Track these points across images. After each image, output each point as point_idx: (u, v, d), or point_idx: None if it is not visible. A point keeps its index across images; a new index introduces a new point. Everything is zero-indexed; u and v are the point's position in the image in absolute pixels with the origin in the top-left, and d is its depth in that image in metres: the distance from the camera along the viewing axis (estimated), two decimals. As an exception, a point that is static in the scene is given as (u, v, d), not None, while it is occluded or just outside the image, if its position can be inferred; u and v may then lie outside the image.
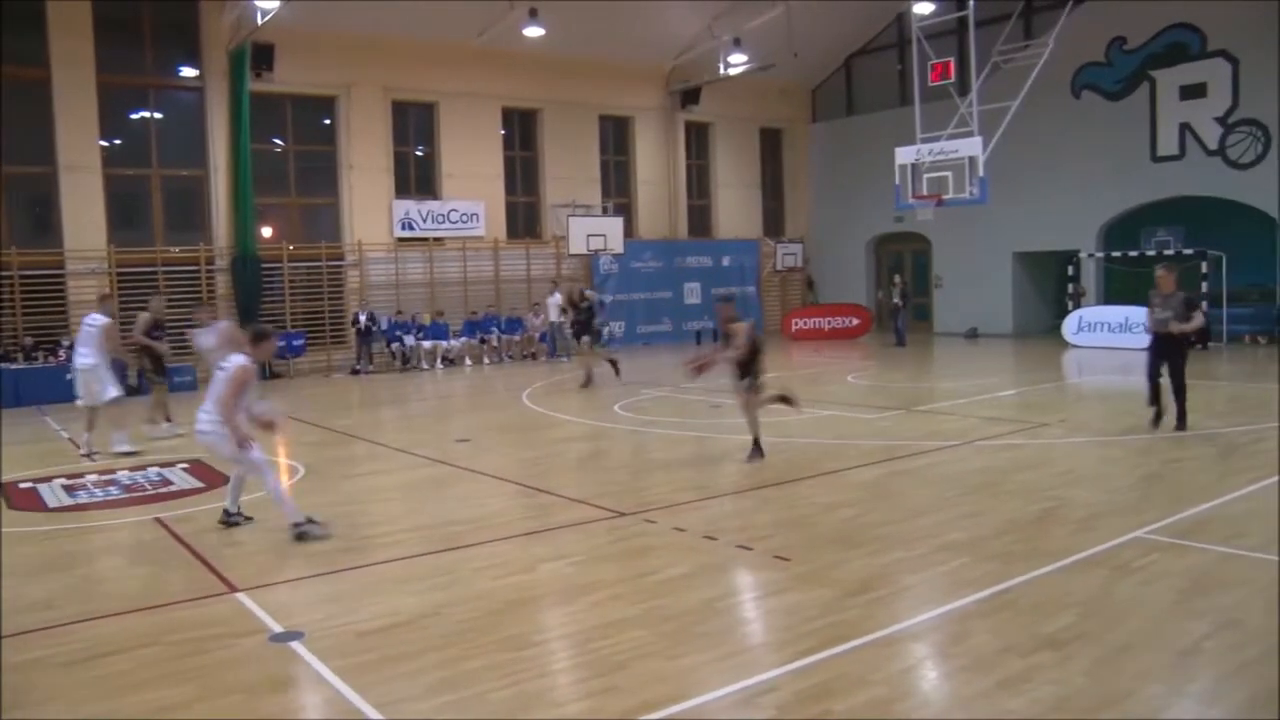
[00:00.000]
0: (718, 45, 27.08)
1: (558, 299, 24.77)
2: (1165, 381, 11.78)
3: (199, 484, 10.73)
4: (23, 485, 10.95)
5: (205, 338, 13.86)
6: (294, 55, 22.59)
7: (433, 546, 7.91)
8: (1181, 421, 11.75)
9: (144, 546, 8.38)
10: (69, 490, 10.63)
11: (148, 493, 10.37)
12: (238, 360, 8.28)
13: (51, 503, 10.11)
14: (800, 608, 6.14)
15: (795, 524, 8.25)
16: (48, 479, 11.28)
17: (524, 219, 27.85)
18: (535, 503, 9.53)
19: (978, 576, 6.58)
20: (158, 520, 9.05)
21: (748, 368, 10.93)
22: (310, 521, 8.22)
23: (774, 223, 33.12)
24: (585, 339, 19.29)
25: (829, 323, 29.49)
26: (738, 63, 27.51)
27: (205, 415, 8.33)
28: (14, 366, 19.38)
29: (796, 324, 29.89)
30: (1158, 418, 11.88)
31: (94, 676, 5.50)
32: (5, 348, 19.97)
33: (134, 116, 22.72)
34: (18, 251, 20.47)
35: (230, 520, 8.68)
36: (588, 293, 20.20)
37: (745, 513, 8.92)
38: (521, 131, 27.80)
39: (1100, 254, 25.70)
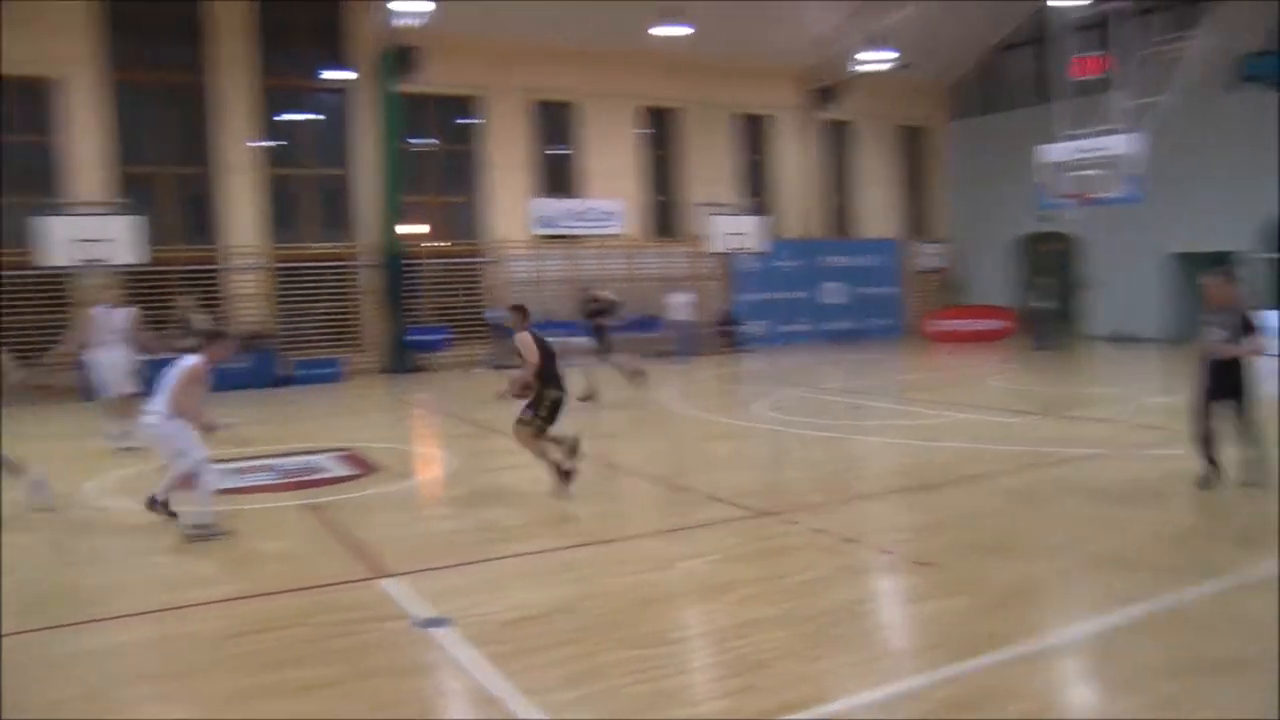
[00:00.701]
0: (854, 43, 26.70)
1: (684, 298, 24.81)
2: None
3: (351, 471, 11.07)
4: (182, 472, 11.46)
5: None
6: (438, 56, 23.09)
7: (570, 540, 8.01)
8: (1251, 474, 8.75)
9: (295, 531, 8.71)
10: (230, 474, 11.09)
11: (301, 479, 10.75)
12: (191, 359, 8.54)
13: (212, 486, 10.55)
14: (943, 615, 6.01)
15: (938, 529, 8.07)
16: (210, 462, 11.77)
17: (662, 218, 27.96)
18: (672, 499, 9.56)
19: (1129, 590, 6.30)
20: (310, 505, 9.38)
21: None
22: (211, 528, 8.31)
23: (914, 222, 32.50)
24: (598, 344, 17.49)
25: (971, 325, 28.76)
26: (874, 60, 27.06)
27: (153, 409, 8.53)
28: (169, 357, 20.29)
29: (937, 325, 29.26)
30: (1212, 473, 8.88)
31: (246, 651, 5.76)
32: (169, 338, 20.95)
33: (285, 118, 23.59)
34: (184, 248, 21.56)
35: (155, 506, 8.66)
36: (602, 294, 18.40)
37: (886, 516, 8.78)
38: (659, 131, 27.91)
39: (1275, 255, 24.34)
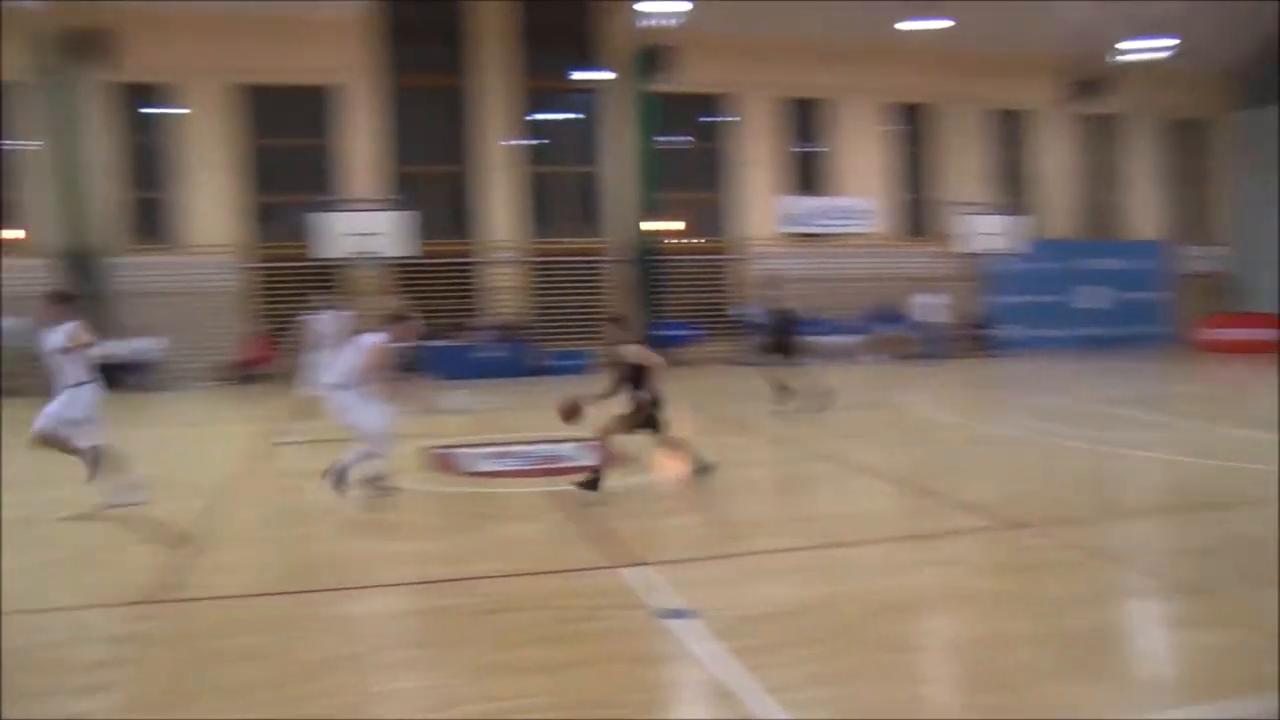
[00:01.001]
0: (1121, 32, 25.12)
1: (934, 299, 24.10)
2: None
3: (598, 461, 11.32)
4: (442, 451, 12.11)
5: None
6: (689, 55, 23.33)
7: (814, 540, 7.92)
8: None
9: (542, 516, 8.98)
10: (483, 458, 11.62)
11: (550, 466, 11.10)
12: (373, 337, 9.16)
13: (465, 468, 11.10)
14: (1214, 648, 5.55)
15: (1210, 554, 7.44)
16: (462, 446, 12.40)
17: (913, 217, 27.28)
18: (921, 505, 9.30)
19: None
20: (557, 492, 9.68)
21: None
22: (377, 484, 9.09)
23: (1185, 222, 30.29)
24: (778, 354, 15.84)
25: (1248, 334, 26.57)
26: (1144, 49, 25.37)
27: (333, 382, 9.31)
28: (440, 344, 21.50)
29: (1210, 334, 27.21)
30: None
31: (493, 628, 5.98)
32: (431, 327, 22.17)
33: (543, 117, 24.42)
34: (446, 242, 22.75)
35: (381, 487, 9.30)
36: (776, 294, 16.70)
37: (1153, 535, 8.22)
38: (911, 127, 27.22)
39: None
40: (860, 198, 25.98)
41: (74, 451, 9.56)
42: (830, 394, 15.32)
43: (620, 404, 9.58)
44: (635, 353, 9.45)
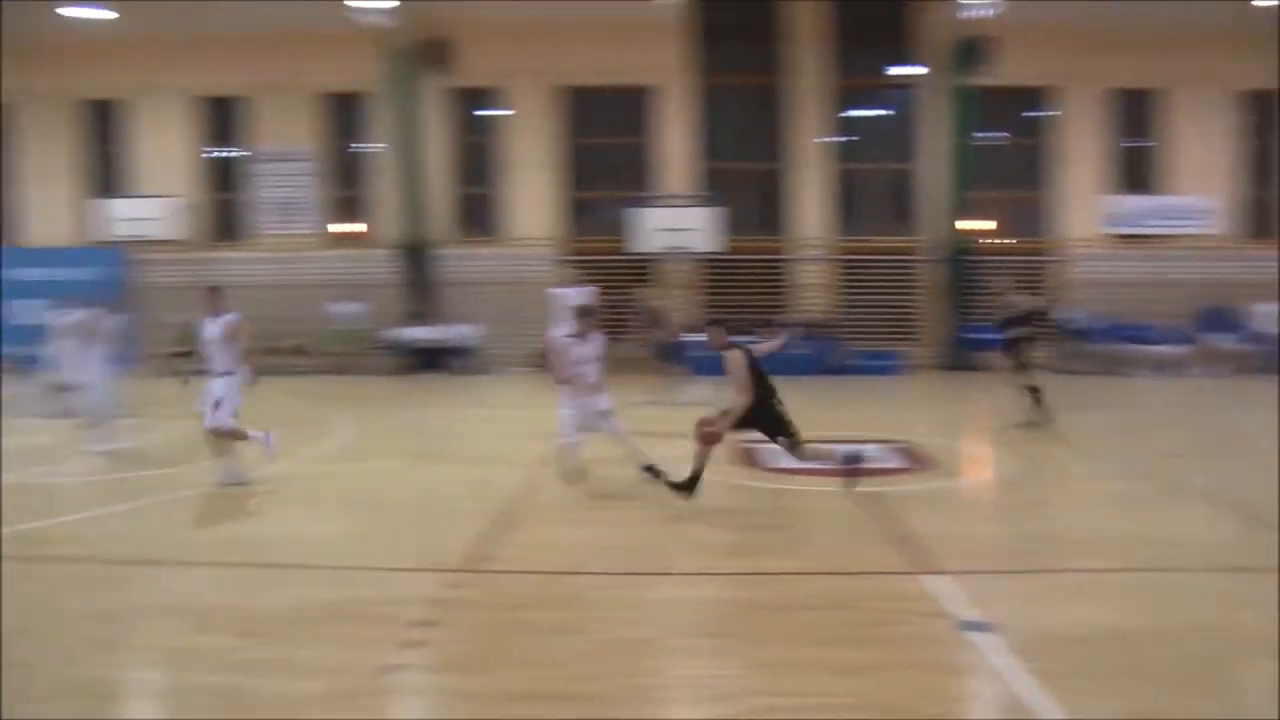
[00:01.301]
0: None
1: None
2: None
3: (902, 464, 11.15)
4: (744, 445, 12.23)
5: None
6: (1009, 48, 22.29)
7: (1130, 562, 7.43)
8: None
9: (843, 516, 8.92)
10: (782, 454, 11.63)
11: (852, 466, 10.96)
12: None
13: (767, 463, 11.18)
14: None
15: None
16: (764, 441, 12.45)
17: (1257, 216, 24.86)
18: (1251, 535, 8.49)
19: None
20: (862, 494, 9.57)
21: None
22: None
23: None
24: (1013, 360, 14.53)
25: None
26: None
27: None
28: (745, 339, 21.73)
29: None
30: None
31: (790, 625, 6.02)
32: (738, 323, 22.45)
33: (854, 114, 24.13)
34: (755, 239, 22.99)
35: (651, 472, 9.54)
36: (1021, 299, 15.01)
37: None
38: (1258, 118, 24.75)
39: None
40: (1195, 196, 23.99)
41: (244, 438, 10.37)
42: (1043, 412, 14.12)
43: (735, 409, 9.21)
44: (734, 360, 9.19)
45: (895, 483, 10.16)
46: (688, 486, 9.04)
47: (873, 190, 24.26)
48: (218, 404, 10.08)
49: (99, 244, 23.80)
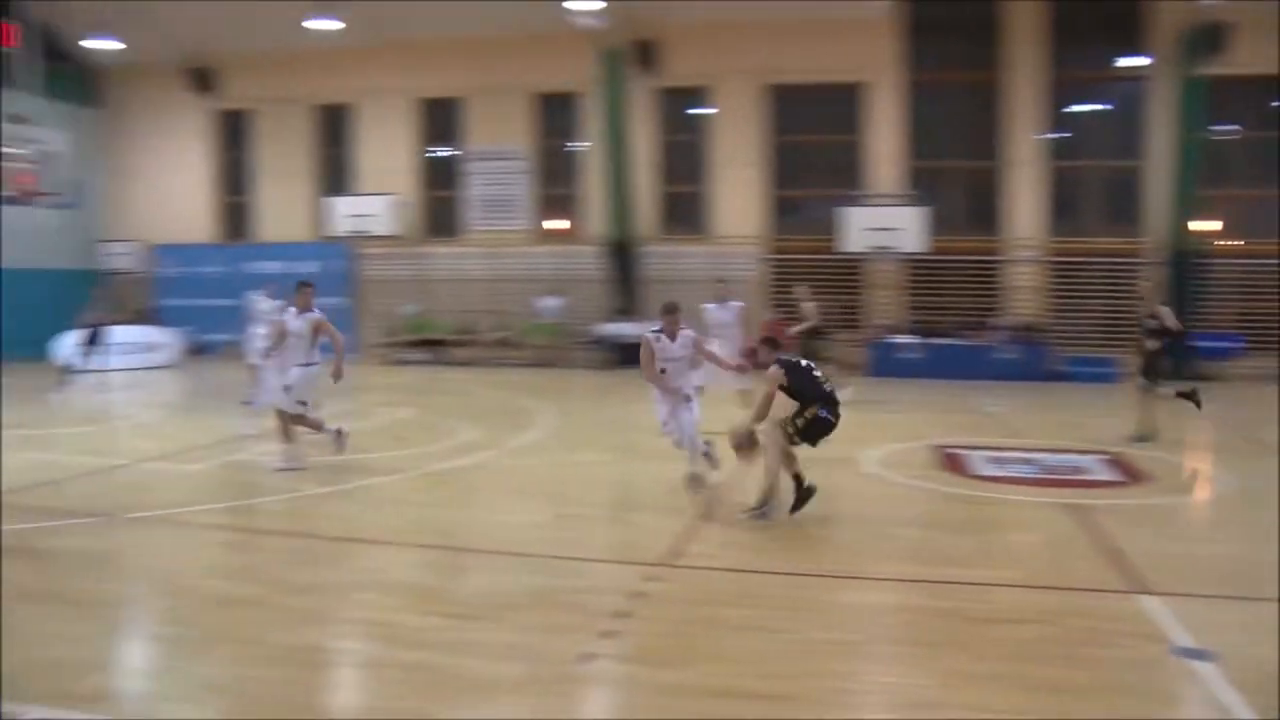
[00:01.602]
0: None
1: None
2: None
3: (1115, 477, 10.64)
4: (952, 451, 11.94)
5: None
6: (1244, 34, 20.75)
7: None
8: None
9: (1051, 529, 8.56)
10: (992, 462, 11.31)
11: (1062, 477, 10.55)
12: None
13: (976, 471, 10.87)
14: None
15: None
16: (974, 448, 12.14)
17: None
18: None
19: None
20: (1071, 505, 9.19)
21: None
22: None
23: None
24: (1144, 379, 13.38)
25: None
26: None
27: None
28: (952, 342, 21.21)
29: None
30: None
31: (991, 637, 5.83)
32: (944, 325, 21.91)
33: (1073, 110, 23.08)
34: (964, 238, 22.33)
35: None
36: (1163, 310, 13.47)
37: None
38: None
39: None
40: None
41: (316, 427, 10.95)
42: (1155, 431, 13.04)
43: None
44: (774, 374, 8.64)
45: (1106, 496, 9.69)
46: (761, 507, 8.58)
47: (1091, 188, 23.15)
48: (288, 388, 10.86)
49: (326, 239, 25.24)
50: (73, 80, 26.08)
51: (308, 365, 10.94)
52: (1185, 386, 13.33)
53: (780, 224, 23.77)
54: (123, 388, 19.18)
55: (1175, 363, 13.25)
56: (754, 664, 5.41)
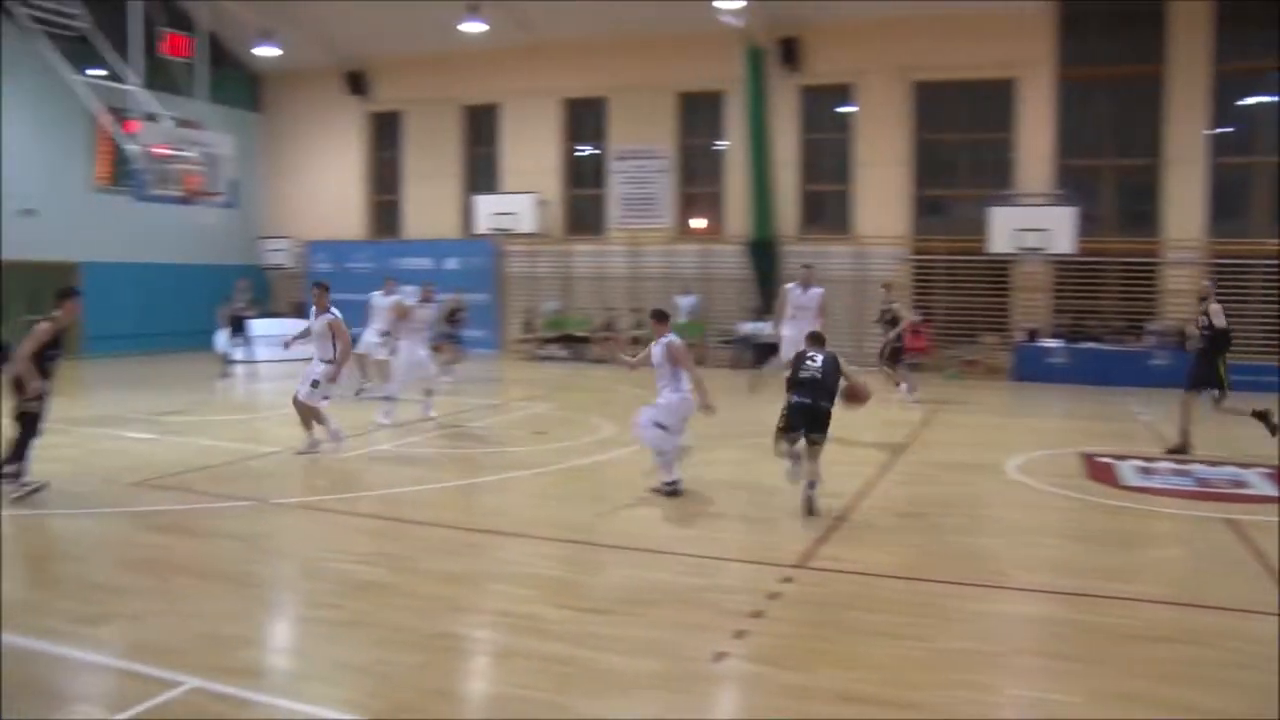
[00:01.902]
0: None
1: None
2: None
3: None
4: (1101, 460, 11.53)
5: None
6: None
7: None
8: None
9: (1207, 543, 8.22)
10: (1143, 473, 10.88)
11: (1221, 490, 10.08)
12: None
13: (1125, 481, 10.47)
14: None
15: None
16: (1124, 457, 11.69)
17: None
18: None
19: None
20: (1228, 520, 8.77)
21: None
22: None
23: None
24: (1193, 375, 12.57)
25: None
26: None
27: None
28: (1102, 347, 20.46)
29: None
30: None
31: (1140, 656, 5.62)
32: (1093, 329, 21.15)
33: (1244, 103, 21.94)
34: (1117, 239, 21.50)
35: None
36: (1212, 308, 12.37)
37: None
38: None
39: None
40: None
41: (323, 422, 11.66)
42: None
43: None
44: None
45: (1272, 512, 9.20)
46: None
47: (1259, 187, 21.96)
48: (314, 384, 11.54)
49: (472, 237, 25.83)
50: (236, 86, 27.38)
51: (330, 363, 11.61)
52: (1260, 407, 12.52)
53: (924, 224, 23.26)
54: (277, 378, 19.97)
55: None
56: (885, 670, 5.34)
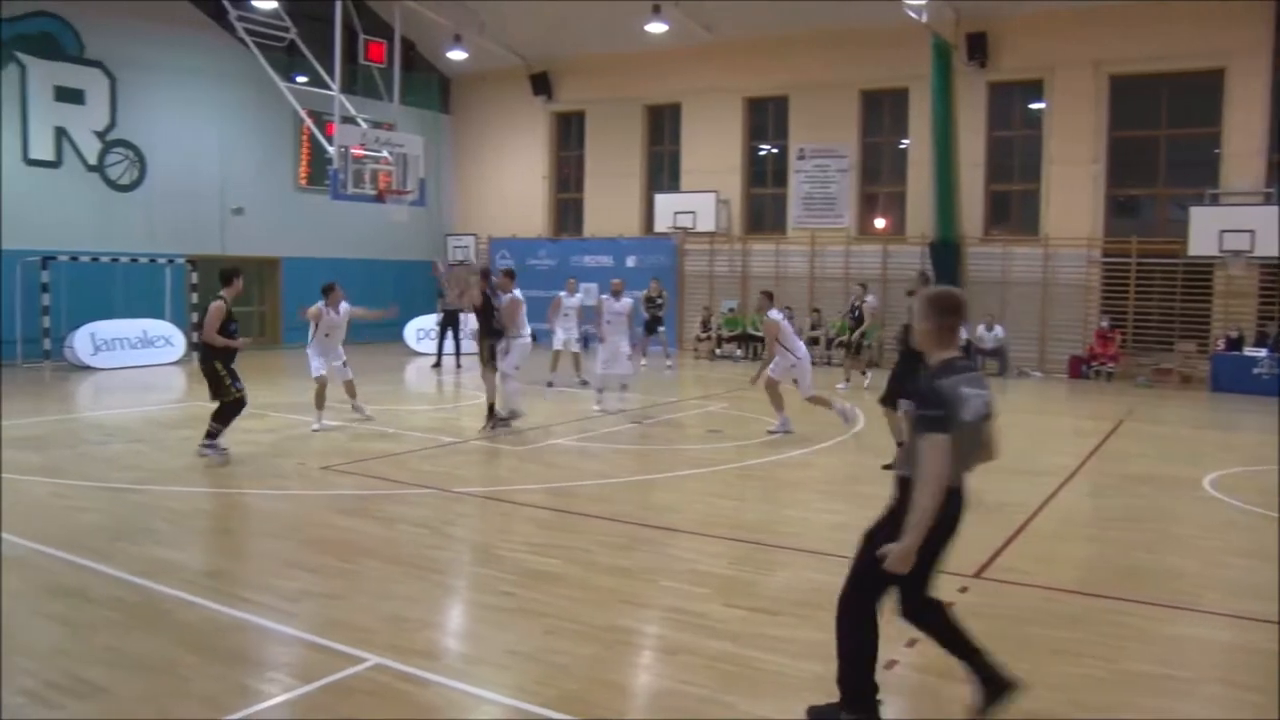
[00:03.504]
0: None
1: None
2: None
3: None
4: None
5: None
6: None
7: None
8: None
9: None
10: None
11: None
12: None
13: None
14: None
15: None
16: None
17: None
18: None
19: None
20: None
21: None
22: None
23: None
24: None
25: None
26: None
27: None
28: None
29: None
30: None
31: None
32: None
33: None
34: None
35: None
36: None
37: None
38: None
39: None
40: None
41: (321, 408, 12.78)
42: None
43: None
44: None
45: None
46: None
47: None
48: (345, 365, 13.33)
49: (652, 235, 26.11)
50: (427, 88, 28.45)
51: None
52: None
53: (1116, 225, 22.21)
54: (457, 370, 20.71)
55: None
56: (1063, 690, 5.16)
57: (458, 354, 21.21)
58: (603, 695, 5.05)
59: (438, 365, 20.97)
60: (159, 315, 21.56)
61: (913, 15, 20.30)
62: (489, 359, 13.06)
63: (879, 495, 9.46)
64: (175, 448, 11.29)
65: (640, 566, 7.25)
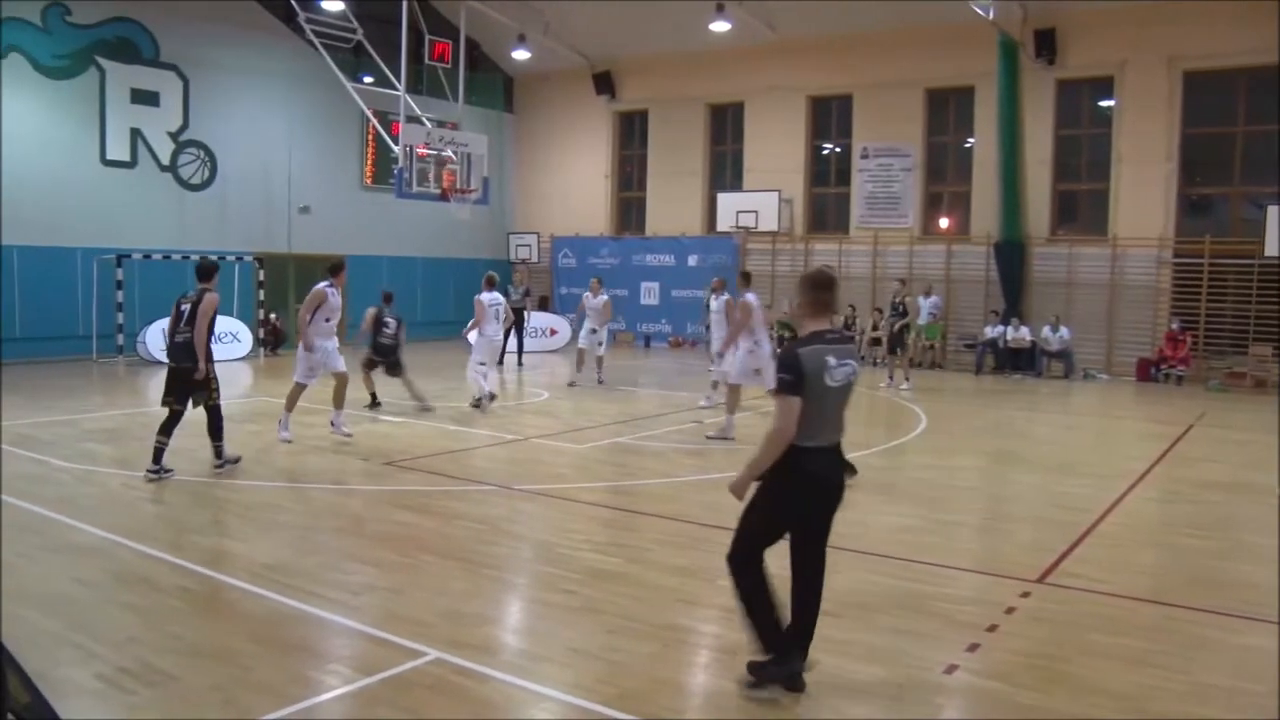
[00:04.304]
0: None
1: None
2: None
3: None
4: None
5: None
6: None
7: None
8: None
9: None
10: None
11: None
12: None
13: None
14: None
15: None
16: None
17: None
18: None
19: None
20: None
21: None
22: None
23: None
24: None
25: None
26: None
27: None
28: None
29: None
30: None
31: None
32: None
33: None
34: None
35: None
36: None
37: None
38: None
39: None
40: None
41: (289, 409, 12.18)
42: None
43: None
44: None
45: None
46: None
47: None
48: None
49: (714, 234, 26.09)
50: (491, 88, 28.68)
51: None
52: None
53: (1188, 225, 21.71)
54: (534, 366, 20.86)
55: None
56: (1128, 700, 5.07)
57: (520, 351, 21.37)
58: (662, 694, 5.06)
59: (500, 363, 21.14)
60: (227, 312, 21.95)
61: (979, 12, 20.05)
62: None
63: (941, 499, 9.47)
64: (242, 441, 11.50)
65: (700, 566, 7.24)
